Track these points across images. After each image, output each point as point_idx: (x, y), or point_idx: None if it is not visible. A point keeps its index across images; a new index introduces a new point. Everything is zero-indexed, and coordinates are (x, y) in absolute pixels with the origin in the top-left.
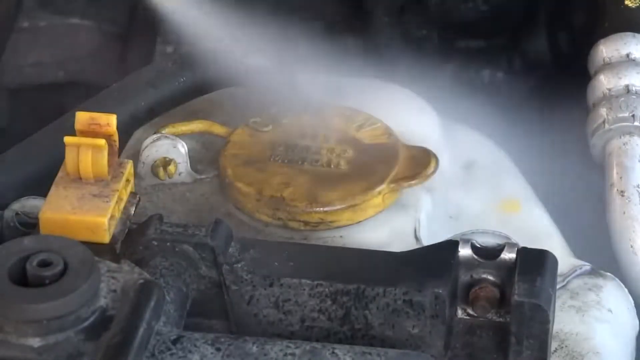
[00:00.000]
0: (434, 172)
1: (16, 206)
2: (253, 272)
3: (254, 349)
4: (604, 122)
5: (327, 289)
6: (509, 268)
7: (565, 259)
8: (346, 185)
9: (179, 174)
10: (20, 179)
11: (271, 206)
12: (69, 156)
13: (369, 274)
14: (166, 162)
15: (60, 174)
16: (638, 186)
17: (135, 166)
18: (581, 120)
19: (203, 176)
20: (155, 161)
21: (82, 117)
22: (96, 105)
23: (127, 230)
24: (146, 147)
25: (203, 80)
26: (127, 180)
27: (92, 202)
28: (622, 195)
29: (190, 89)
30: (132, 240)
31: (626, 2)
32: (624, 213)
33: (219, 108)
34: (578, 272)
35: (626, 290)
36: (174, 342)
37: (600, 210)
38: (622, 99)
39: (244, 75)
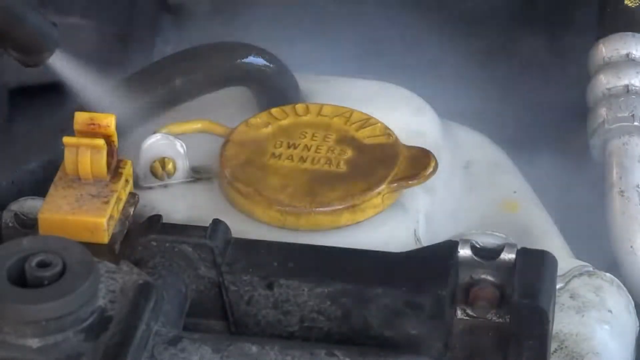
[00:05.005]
0: (433, 172)
1: (15, 206)
2: (252, 273)
3: (253, 349)
4: (603, 122)
5: (326, 290)
6: (509, 268)
7: (565, 259)
8: (346, 185)
9: (178, 174)
10: (19, 179)
11: (270, 206)
12: (68, 156)
13: (369, 274)
14: (165, 162)
15: (59, 174)
16: (638, 186)
17: (134, 166)
18: (581, 120)
19: (202, 176)
20: (155, 161)
21: (81, 117)
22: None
23: (126, 230)
24: (145, 146)
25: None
26: (126, 181)
27: (91, 202)
28: (622, 195)
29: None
30: (131, 241)
31: (626, 2)
32: (624, 213)
33: (219, 108)
34: (578, 272)
35: (626, 290)
36: (173, 342)
37: (600, 210)
38: (622, 98)
39: None
